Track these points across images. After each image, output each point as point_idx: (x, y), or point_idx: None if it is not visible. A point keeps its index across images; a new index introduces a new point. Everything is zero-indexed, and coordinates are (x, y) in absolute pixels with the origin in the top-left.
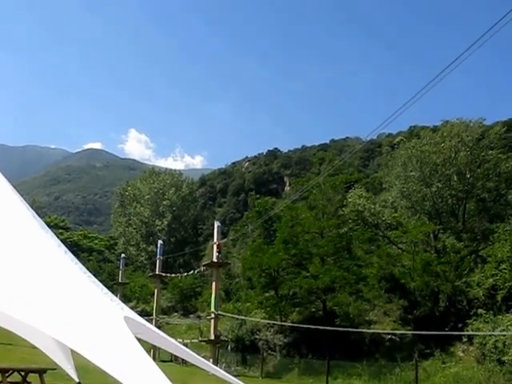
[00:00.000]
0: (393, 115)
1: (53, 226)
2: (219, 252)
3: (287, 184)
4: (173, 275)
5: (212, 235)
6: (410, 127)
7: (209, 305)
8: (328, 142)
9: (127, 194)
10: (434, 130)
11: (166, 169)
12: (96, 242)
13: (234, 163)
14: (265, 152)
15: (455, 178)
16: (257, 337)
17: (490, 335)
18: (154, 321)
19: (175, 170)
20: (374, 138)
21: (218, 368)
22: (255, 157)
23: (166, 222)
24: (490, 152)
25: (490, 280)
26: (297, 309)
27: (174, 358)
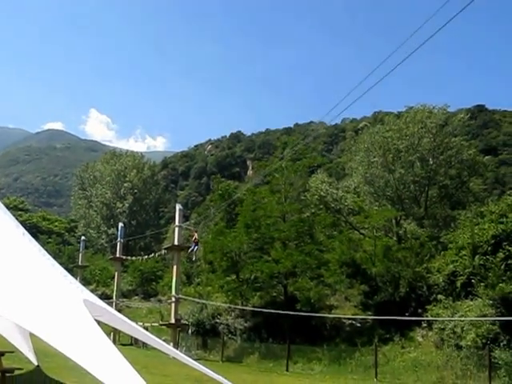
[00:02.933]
0: (355, 101)
1: (12, 208)
2: (197, 244)
3: (250, 168)
4: (133, 258)
5: (174, 218)
6: (374, 113)
7: (170, 288)
8: (292, 126)
9: (88, 175)
10: (398, 115)
11: (128, 150)
12: (56, 224)
13: (196, 146)
14: (228, 135)
15: (418, 165)
16: (217, 321)
17: (449, 321)
18: (114, 304)
19: (137, 152)
20: (338, 122)
21: (178, 352)
22: (218, 140)
23: (127, 205)
24: (453, 139)
25: (451, 266)
26: (258, 293)
27: (134, 342)
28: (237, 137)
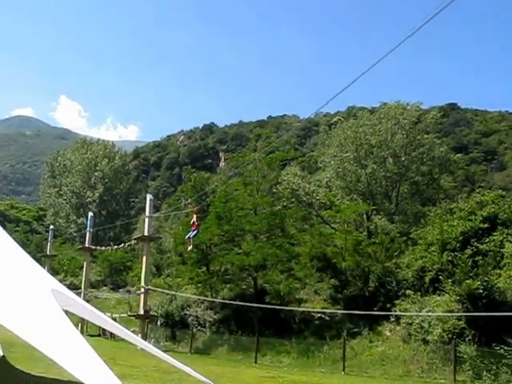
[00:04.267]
0: (332, 99)
1: None
2: (197, 229)
3: (222, 159)
4: (103, 248)
5: (144, 209)
6: (349, 107)
7: (139, 279)
8: (265, 118)
9: (58, 163)
10: (372, 111)
11: (99, 139)
12: (24, 212)
13: (168, 136)
14: (201, 126)
15: (390, 161)
16: (187, 312)
17: (417, 316)
18: (82, 294)
19: (108, 141)
20: (312, 116)
21: (146, 343)
22: (191, 130)
23: (97, 194)
24: (426, 136)
25: (420, 262)
26: (228, 285)
27: (102, 333)
28: (210, 128)
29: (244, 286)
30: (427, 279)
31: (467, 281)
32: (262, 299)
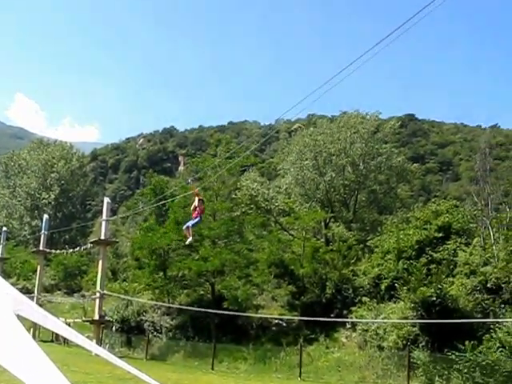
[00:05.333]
0: (293, 107)
1: None
2: (200, 215)
3: (182, 163)
4: (58, 252)
5: (101, 212)
6: (309, 115)
7: (94, 284)
8: (226, 123)
9: (13, 164)
10: (332, 120)
11: (56, 140)
12: None
13: (128, 139)
14: (161, 130)
15: (349, 169)
16: (143, 318)
17: (373, 322)
18: (35, 299)
19: (66, 142)
20: (272, 123)
21: (101, 349)
22: (151, 134)
23: (53, 196)
24: (384, 146)
25: (376, 270)
26: (185, 291)
27: (56, 338)
28: (170, 132)
29: (202, 292)
30: (383, 286)
31: (421, 288)
32: (219, 305)
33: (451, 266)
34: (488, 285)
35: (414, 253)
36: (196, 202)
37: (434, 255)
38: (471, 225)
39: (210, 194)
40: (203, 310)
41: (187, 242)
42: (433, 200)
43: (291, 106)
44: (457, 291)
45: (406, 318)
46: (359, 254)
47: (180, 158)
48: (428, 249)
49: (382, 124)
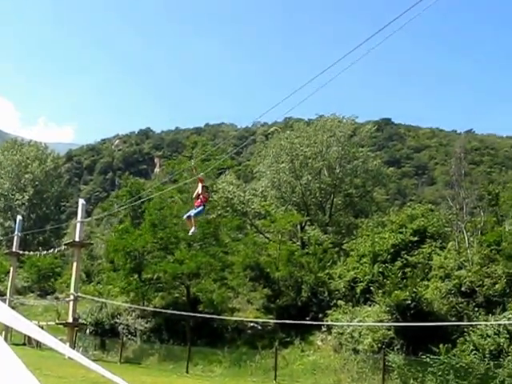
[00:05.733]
0: (270, 109)
1: None
2: (204, 203)
3: (158, 165)
4: (31, 253)
5: (75, 213)
6: (286, 118)
7: (68, 286)
8: (202, 126)
9: None
10: (308, 123)
11: (31, 140)
12: None
13: (103, 140)
14: (137, 131)
15: (325, 172)
16: (117, 321)
17: (348, 325)
18: (7, 301)
19: (40, 143)
20: (249, 125)
21: (75, 352)
22: (126, 135)
23: (26, 197)
24: (360, 149)
25: (351, 273)
26: (160, 293)
27: (28, 341)
28: (146, 133)
29: (177, 295)
30: (359, 290)
31: (396, 292)
32: (194, 308)
33: (426, 270)
34: (462, 288)
35: (389, 256)
36: (199, 189)
37: (409, 259)
38: (446, 229)
39: (185, 196)
40: (178, 312)
41: (190, 233)
42: (408, 204)
43: (269, 108)
44: (431, 295)
45: (381, 322)
46: (335, 258)
47: (156, 160)
48: (403, 252)
49: (359, 128)
